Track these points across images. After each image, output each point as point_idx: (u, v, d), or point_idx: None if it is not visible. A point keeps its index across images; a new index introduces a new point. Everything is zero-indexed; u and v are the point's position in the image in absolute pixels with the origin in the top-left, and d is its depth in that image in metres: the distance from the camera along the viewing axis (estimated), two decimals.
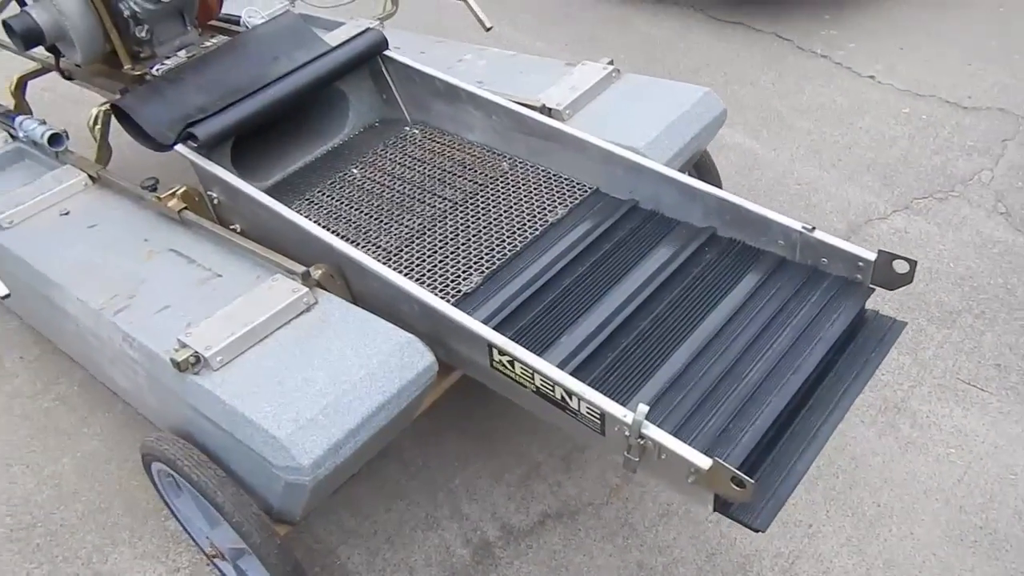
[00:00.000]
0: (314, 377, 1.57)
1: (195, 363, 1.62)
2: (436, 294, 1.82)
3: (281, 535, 1.73)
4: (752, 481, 1.27)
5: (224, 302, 1.74)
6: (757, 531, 1.39)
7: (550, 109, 2.20)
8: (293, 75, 2.23)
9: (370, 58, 2.34)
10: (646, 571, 2.03)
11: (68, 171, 2.32)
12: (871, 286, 1.69)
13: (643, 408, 1.38)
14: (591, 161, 2.03)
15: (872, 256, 1.65)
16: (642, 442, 1.40)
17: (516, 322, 1.74)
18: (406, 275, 1.89)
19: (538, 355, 1.63)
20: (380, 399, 1.55)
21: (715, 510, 1.41)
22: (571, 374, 1.60)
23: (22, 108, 2.74)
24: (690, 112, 2.15)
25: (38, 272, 2.02)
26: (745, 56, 3.92)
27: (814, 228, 1.73)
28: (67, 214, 2.21)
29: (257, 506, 1.60)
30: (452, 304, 1.79)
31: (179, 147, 2.10)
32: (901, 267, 1.62)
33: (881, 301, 2.65)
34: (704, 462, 1.33)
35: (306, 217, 2.10)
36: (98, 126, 2.38)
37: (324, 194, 2.19)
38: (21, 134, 2.48)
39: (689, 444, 1.40)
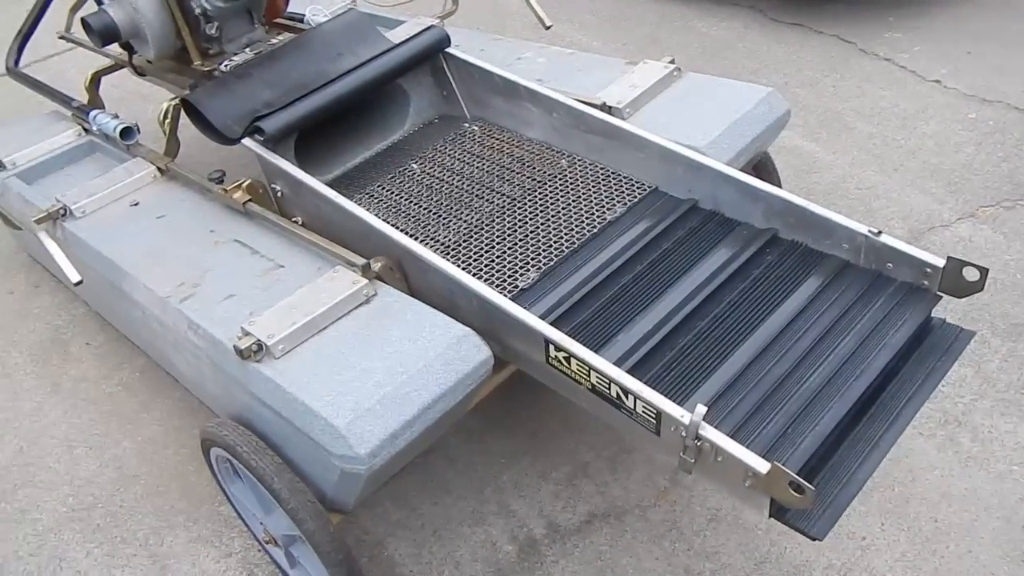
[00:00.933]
0: (372, 367, 1.59)
1: (257, 351, 1.65)
2: (493, 288, 1.84)
3: (334, 523, 1.76)
4: (811, 487, 1.25)
5: (286, 292, 1.78)
6: (814, 539, 1.36)
7: (610, 107, 2.19)
8: (356, 71, 2.26)
9: (432, 55, 2.36)
10: (692, 575, 2.01)
11: (138, 163, 2.39)
12: (938, 293, 1.65)
13: (701, 409, 1.37)
14: (650, 159, 2.02)
15: (941, 262, 1.61)
16: (698, 443, 1.38)
17: (573, 319, 1.73)
18: (465, 268, 1.91)
19: (597, 351, 1.63)
20: (437, 391, 1.56)
21: (771, 516, 1.38)
22: (627, 372, 1.59)
23: (95, 103, 2.83)
24: (752, 112, 2.12)
25: (108, 260, 2.09)
26: (805, 58, 3.86)
27: (880, 232, 1.69)
28: (136, 205, 2.27)
29: (312, 494, 1.62)
30: (511, 299, 1.81)
31: (246, 140, 2.14)
32: (971, 274, 1.58)
33: (943, 312, 2.59)
34: (762, 466, 1.31)
35: (366, 211, 2.13)
36: (168, 120, 2.44)
37: (384, 188, 2.22)
38: (95, 127, 2.56)
39: (747, 447, 1.39)
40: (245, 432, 1.70)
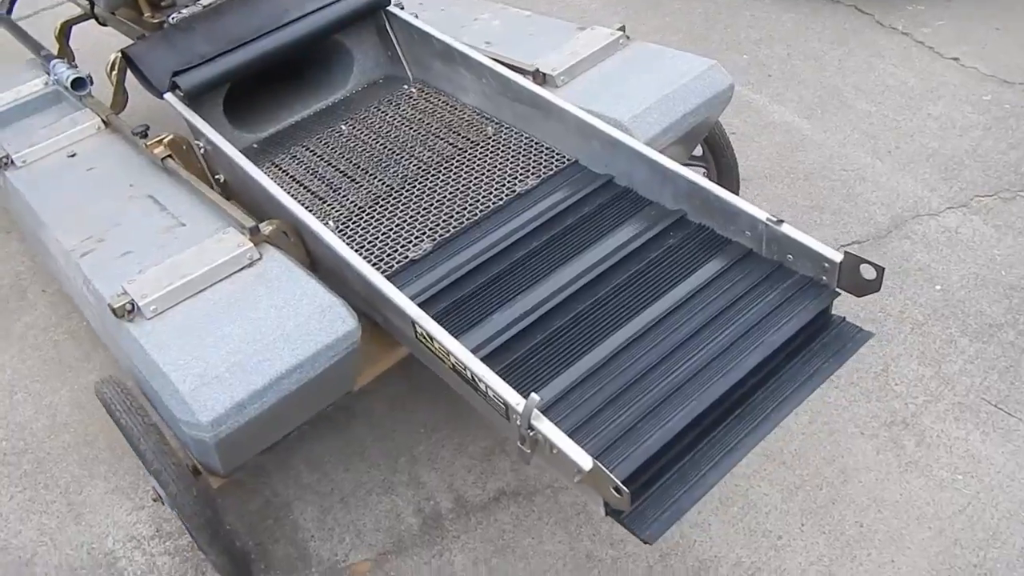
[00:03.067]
0: (231, 333, 1.56)
1: (130, 311, 1.64)
2: (384, 258, 1.79)
3: (215, 486, 1.76)
4: (627, 490, 1.18)
5: (178, 251, 1.76)
6: (645, 542, 1.29)
7: (544, 75, 2.10)
8: (289, 27, 2.21)
9: (369, 13, 2.29)
10: (593, 562, 1.95)
11: (85, 115, 2.39)
12: (837, 289, 1.53)
13: (535, 398, 1.30)
14: (570, 132, 1.92)
15: (838, 257, 1.49)
16: (532, 434, 1.32)
17: (454, 294, 1.67)
18: (362, 235, 1.86)
19: (468, 330, 1.58)
20: (292, 361, 1.53)
21: (606, 514, 1.31)
22: (494, 352, 1.54)
23: (63, 53, 2.85)
24: (688, 85, 1.99)
25: (33, 210, 2.10)
26: (815, 29, 3.64)
27: (781, 221, 1.57)
28: (74, 156, 2.28)
29: (179, 457, 1.62)
30: (398, 270, 1.76)
31: (167, 96, 2.12)
32: (868, 272, 1.46)
33: (912, 305, 2.43)
34: (586, 463, 1.24)
35: (284, 172, 2.10)
36: (115, 72, 2.44)
37: (308, 149, 2.17)
38: (52, 77, 2.58)
39: (587, 441, 1.32)
40: (120, 391, 1.70)
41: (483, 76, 2.10)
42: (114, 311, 1.63)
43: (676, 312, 1.56)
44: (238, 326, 1.57)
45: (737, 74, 3.39)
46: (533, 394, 1.30)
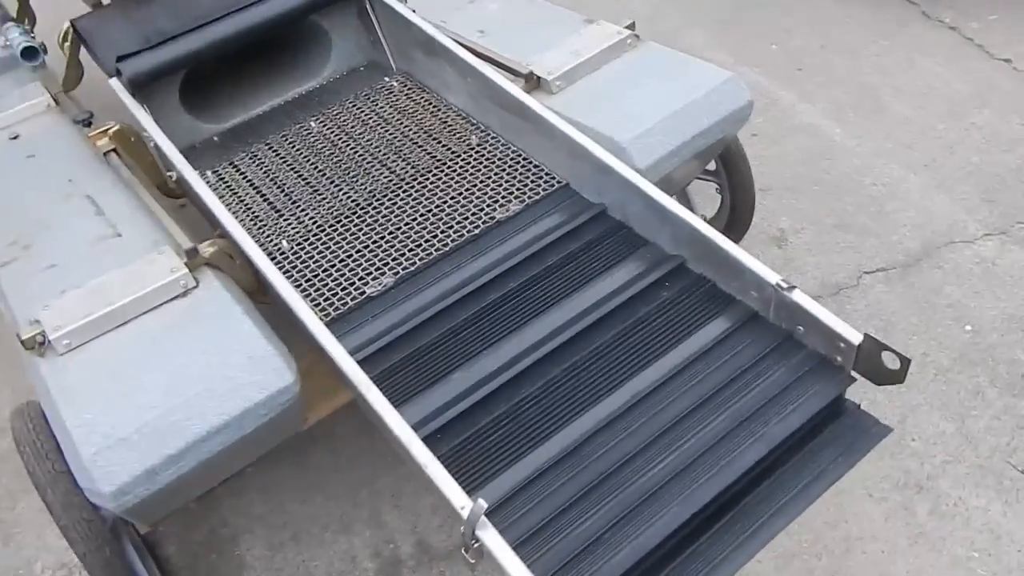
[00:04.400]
0: (150, 383, 1.35)
1: (41, 343, 1.44)
2: (339, 292, 1.58)
3: (143, 531, 1.58)
4: None
5: (104, 270, 1.55)
6: None
7: (539, 78, 1.84)
8: (262, 3, 1.95)
9: None
10: None
11: (35, 89, 2.16)
12: (853, 374, 1.30)
13: (481, 504, 1.09)
14: (559, 151, 1.68)
15: (857, 339, 1.25)
16: (476, 545, 1.11)
17: (410, 344, 1.45)
18: (317, 261, 1.64)
19: (421, 391, 1.37)
20: (215, 422, 1.32)
21: None
22: (448, 425, 1.32)
23: (25, 14, 2.60)
24: (700, 101, 1.73)
25: None
26: (854, 17, 3.32)
27: (793, 287, 1.34)
28: (16, 138, 2.05)
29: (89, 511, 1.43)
30: (353, 307, 1.55)
31: (111, 82, 1.88)
32: (891, 362, 1.22)
33: (937, 347, 2.19)
34: None
35: (241, 175, 1.88)
36: (67, 43, 2.20)
37: (271, 148, 1.94)
38: (3, 41, 2.34)
39: (542, 553, 1.11)
40: (30, 429, 1.50)
41: (468, 75, 1.85)
42: (22, 343, 1.42)
43: (665, 386, 1.34)
44: (158, 374, 1.36)
45: (764, 66, 3.11)
46: (480, 500, 1.09)
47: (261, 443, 1.48)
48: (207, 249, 1.56)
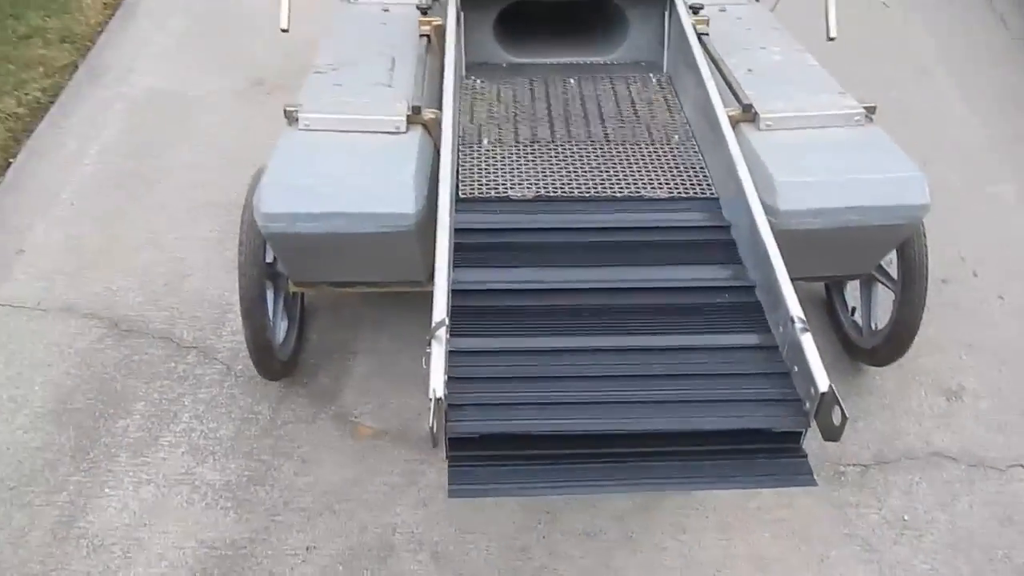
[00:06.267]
0: (331, 164, 1.84)
1: (292, 117, 2.00)
2: (489, 184, 1.94)
3: (291, 288, 2.10)
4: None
5: (360, 97, 2.08)
6: (449, 496, 1.33)
7: (756, 112, 2.02)
8: None
9: None
10: None
11: None
12: (811, 420, 1.36)
13: (443, 320, 1.38)
14: (726, 171, 1.87)
15: (824, 387, 1.32)
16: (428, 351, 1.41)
17: (507, 239, 1.78)
18: (496, 160, 2.02)
19: (489, 266, 1.70)
20: (345, 209, 1.77)
21: (446, 456, 1.37)
22: (487, 292, 1.63)
23: None
24: (868, 182, 1.83)
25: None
26: None
27: (807, 329, 1.42)
28: (387, 11, 2.70)
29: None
30: (495, 199, 1.91)
31: None
32: (836, 416, 1.29)
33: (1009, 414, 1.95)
34: (439, 391, 1.31)
35: (496, 88, 2.32)
36: None
37: (531, 88, 2.35)
38: None
39: (476, 393, 1.38)
40: (254, 179, 2.08)
41: (698, 87, 2.09)
42: (285, 112, 2.00)
43: (664, 353, 1.52)
44: (341, 164, 1.85)
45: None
46: (444, 317, 1.39)
47: (380, 262, 1.90)
48: (427, 114, 2.02)
